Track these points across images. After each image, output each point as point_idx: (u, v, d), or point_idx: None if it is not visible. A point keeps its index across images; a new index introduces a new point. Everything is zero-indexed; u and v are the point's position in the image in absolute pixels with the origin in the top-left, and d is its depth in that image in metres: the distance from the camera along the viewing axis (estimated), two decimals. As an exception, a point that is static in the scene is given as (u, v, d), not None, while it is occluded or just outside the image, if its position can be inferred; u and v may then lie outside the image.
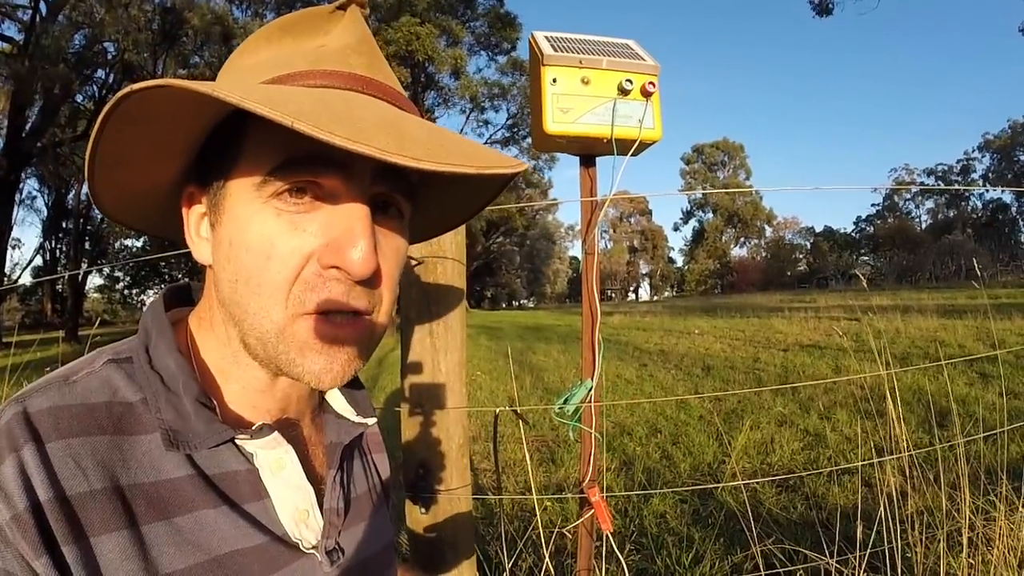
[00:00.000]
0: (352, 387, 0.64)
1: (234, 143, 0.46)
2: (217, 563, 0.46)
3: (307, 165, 0.44)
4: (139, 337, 0.52)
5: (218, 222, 0.48)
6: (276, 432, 0.51)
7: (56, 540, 0.40)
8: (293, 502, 0.52)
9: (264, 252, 0.45)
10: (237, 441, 0.50)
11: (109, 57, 22.07)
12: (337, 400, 0.62)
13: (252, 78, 0.48)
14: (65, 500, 0.41)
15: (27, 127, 20.58)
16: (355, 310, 0.46)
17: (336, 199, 0.45)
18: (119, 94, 0.38)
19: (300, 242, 0.44)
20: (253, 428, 0.49)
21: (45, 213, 31.32)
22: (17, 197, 23.93)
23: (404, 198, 0.50)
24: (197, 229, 0.52)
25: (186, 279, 0.62)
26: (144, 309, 0.54)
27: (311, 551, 0.52)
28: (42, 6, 19.52)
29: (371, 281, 0.46)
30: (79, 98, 22.22)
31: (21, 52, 19.26)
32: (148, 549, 0.44)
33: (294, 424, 0.57)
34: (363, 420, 0.62)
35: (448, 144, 0.42)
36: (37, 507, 0.40)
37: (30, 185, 30.33)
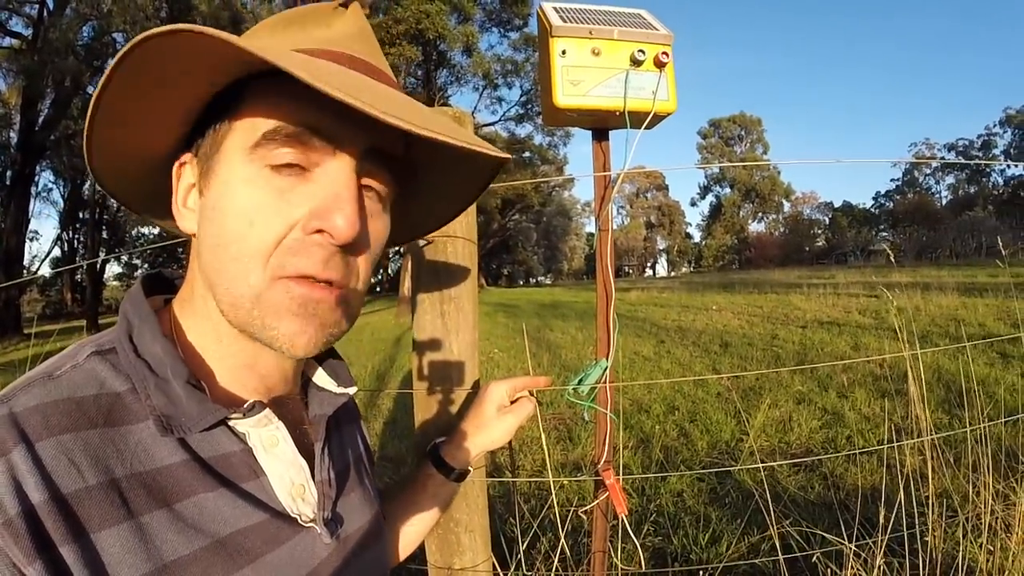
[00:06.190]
0: (331, 357, 0.65)
1: (230, 110, 0.47)
2: (221, 545, 0.47)
3: (298, 135, 0.45)
4: (120, 327, 0.51)
5: (206, 187, 0.49)
6: (268, 408, 0.51)
7: (53, 543, 0.39)
8: (289, 477, 0.53)
9: (248, 218, 0.45)
10: (230, 421, 0.50)
11: (118, 47, 22.09)
12: (318, 373, 0.64)
13: None
14: (61, 499, 0.40)
15: (39, 121, 20.78)
16: (330, 280, 0.47)
17: (325, 172, 0.47)
18: (140, 36, 0.37)
19: (286, 210, 0.46)
20: (245, 406, 0.50)
21: (61, 204, 31.59)
22: (33, 190, 24.28)
23: (390, 180, 0.52)
24: (185, 200, 0.52)
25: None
26: (122, 299, 0.54)
27: (310, 524, 0.53)
28: (48, 0, 19.57)
29: (353, 247, 0.48)
30: (90, 89, 22.29)
31: (30, 47, 19.36)
32: (151, 538, 0.43)
33: (284, 402, 0.58)
34: (344, 390, 0.63)
35: (443, 124, 0.44)
36: (30, 511, 0.39)
37: (45, 178, 30.80)
